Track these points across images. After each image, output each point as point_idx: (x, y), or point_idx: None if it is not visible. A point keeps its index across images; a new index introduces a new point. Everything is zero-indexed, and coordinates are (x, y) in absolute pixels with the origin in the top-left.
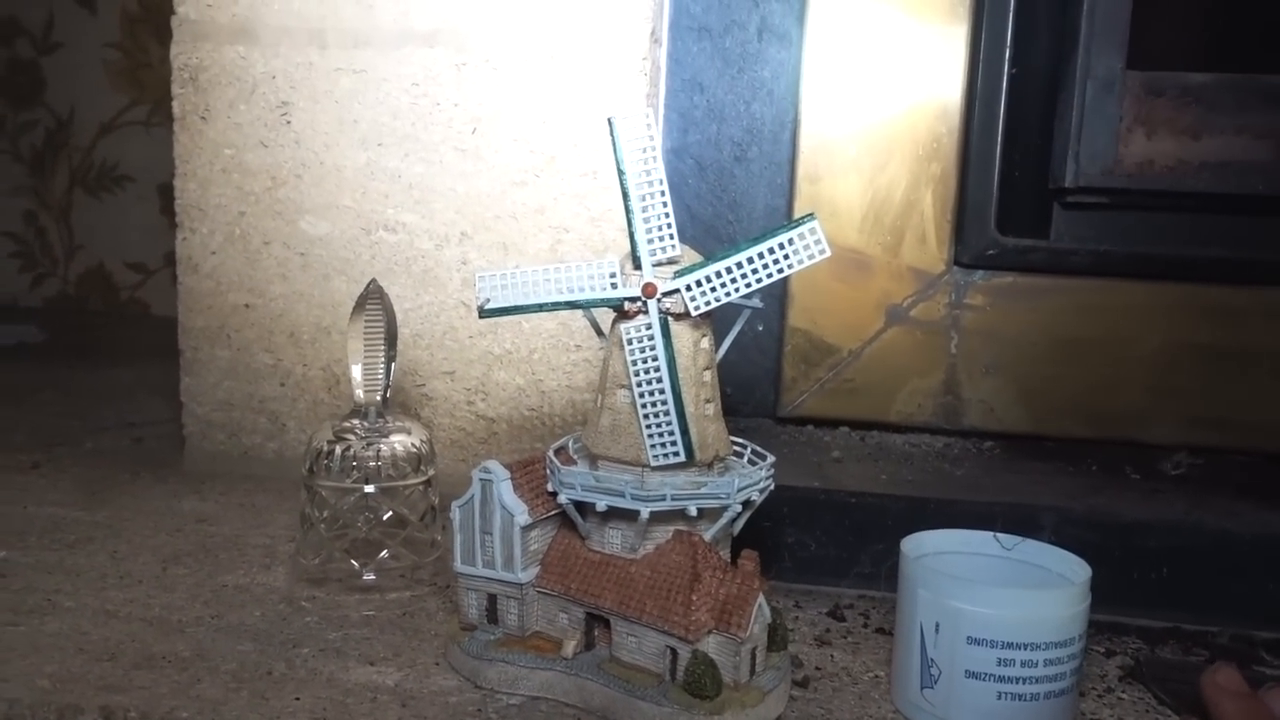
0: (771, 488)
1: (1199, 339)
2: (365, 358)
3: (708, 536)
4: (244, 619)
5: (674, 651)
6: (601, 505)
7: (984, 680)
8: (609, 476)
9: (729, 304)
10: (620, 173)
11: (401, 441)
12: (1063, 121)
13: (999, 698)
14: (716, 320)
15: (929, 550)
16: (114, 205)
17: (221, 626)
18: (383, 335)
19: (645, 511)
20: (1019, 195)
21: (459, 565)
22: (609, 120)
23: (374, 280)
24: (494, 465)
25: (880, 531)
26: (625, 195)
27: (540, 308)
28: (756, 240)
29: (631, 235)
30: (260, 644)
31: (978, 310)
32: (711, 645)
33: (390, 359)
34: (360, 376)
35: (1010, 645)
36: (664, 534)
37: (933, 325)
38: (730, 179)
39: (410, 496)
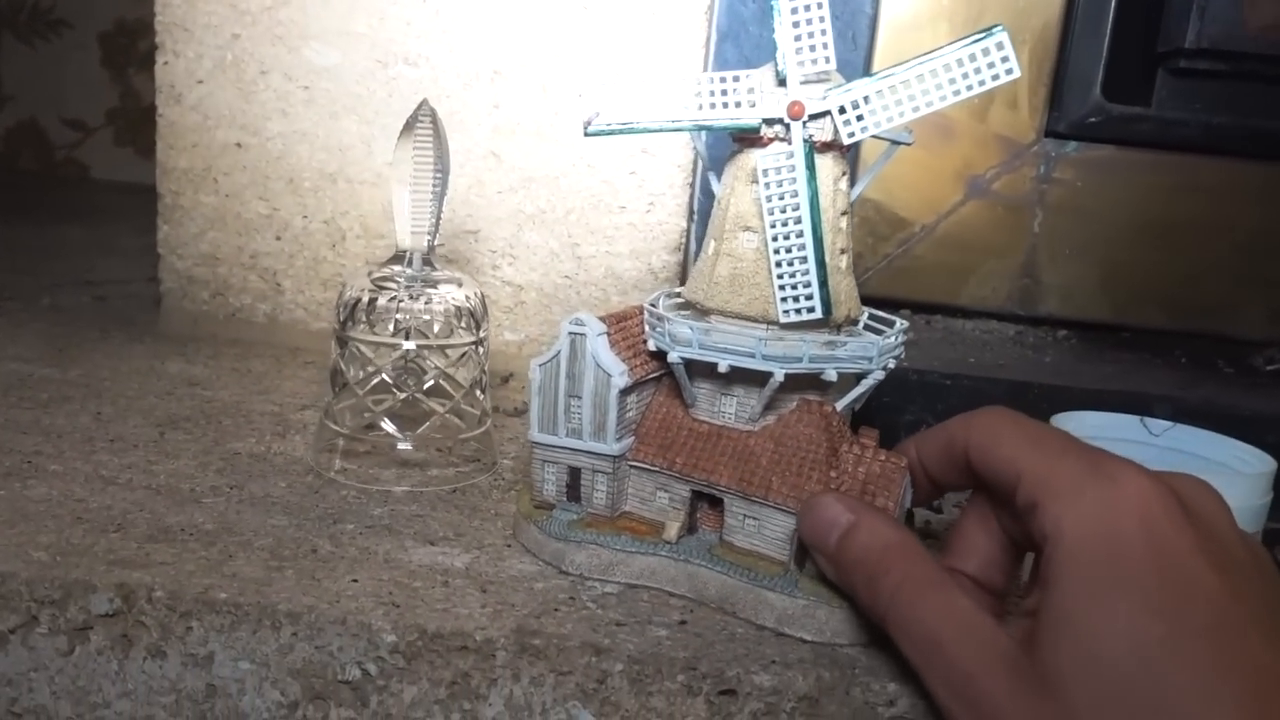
0: (902, 355)
1: None
2: (412, 192)
3: (839, 407)
4: (269, 490)
5: None
6: (724, 366)
7: None
8: (730, 331)
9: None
10: None
11: (453, 294)
12: None
13: None
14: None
15: (1080, 430)
16: (48, 54)
17: (244, 498)
18: (432, 166)
19: (780, 374)
20: (1123, 58)
21: (536, 434)
22: None
23: (426, 101)
24: (587, 317)
25: None
26: None
27: (660, 128)
28: (929, 55)
29: (776, 42)
30: (295, 518)
31: (1067, 186)
32: None
33: (441, 196)
34: (406, 215)
35: None
36: (787, 404)
37: (1016, 200)
38: None
39: (462, 358)
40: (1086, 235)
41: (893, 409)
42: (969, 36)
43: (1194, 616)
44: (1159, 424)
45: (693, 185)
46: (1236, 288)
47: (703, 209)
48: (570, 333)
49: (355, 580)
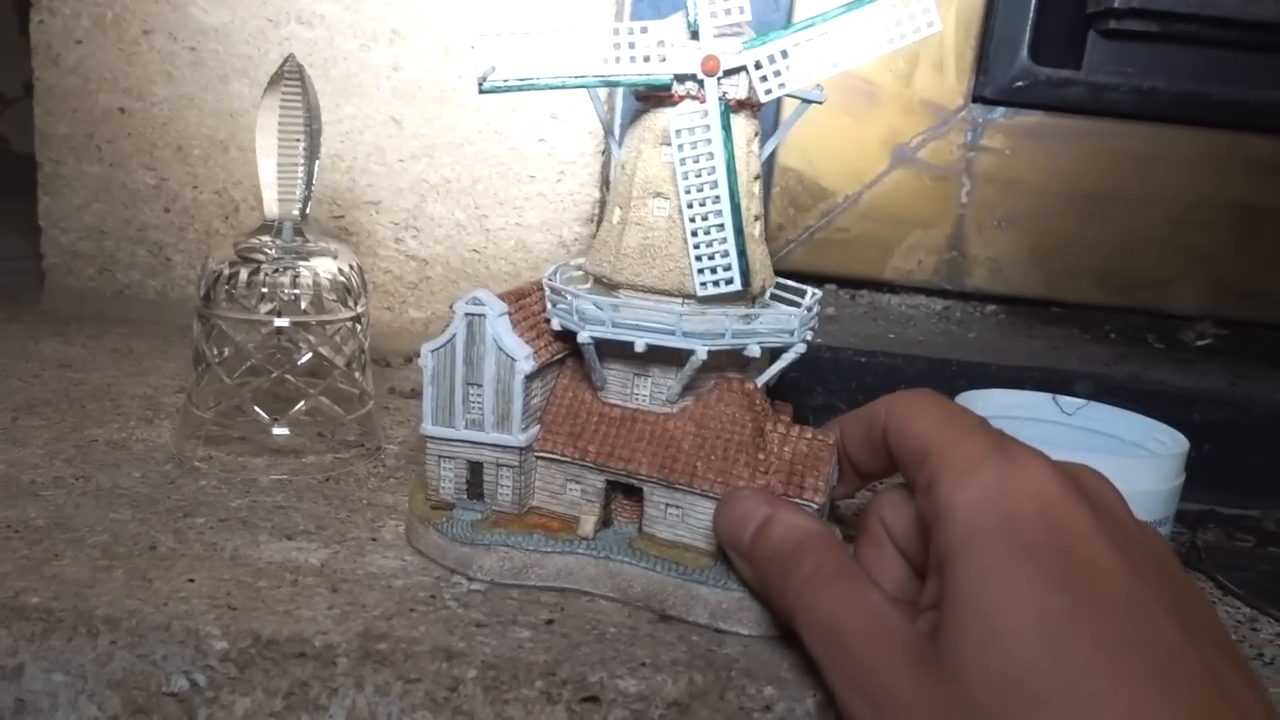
0: (816, 327)
1: (1241, 196)
2: (280, 156)
3: (759, 384)
4: (119, 481)
5: None
6: (641, 345)
7: None
8: (644, 307)
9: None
10: None
11: (325, 266)
12: None
13: None
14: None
15: (986, 410)
16: None
17: (89, 490)
18: (302, 127)
19: (702, 352)
20: (1052, 19)
21: (430, 427)
22: None
23: (292, 56)
24: (486, 295)
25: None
26: None
27: (562, 84)
28: (846, 7)
29: None
30: (141, 511)
31: (995, 154)
32: None
33: (312, 159)
34: (273, 179)
35: None
36: (704, 383)
37: (943, 169)
38: None
39: (336, 335)
40: (1016, 205)
41: (803, 389)
42: None
43: (1096, 591)
44: (1072, 402)
45: (605, 153)
46: (1170, 261)
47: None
48: (467, 314)
49: (192, 580)
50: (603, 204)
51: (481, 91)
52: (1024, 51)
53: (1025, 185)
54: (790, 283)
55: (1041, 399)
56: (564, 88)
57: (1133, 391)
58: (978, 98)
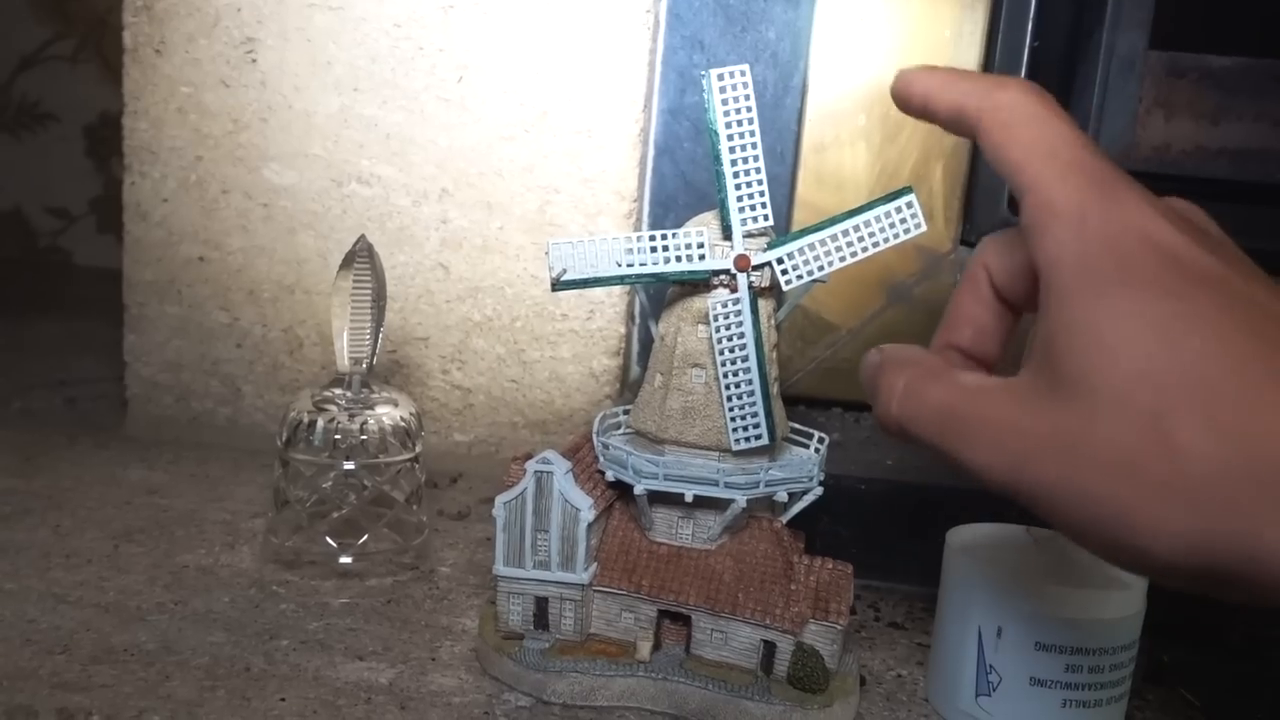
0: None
1: None
2: (351, 322)
3: (784, 521)
4: (211, 605)
5: (770, 645)
6: (690, 496)
7: (1050, 688)
8: (688, 463)
9: None
10: (712, 133)
11: (389, 414)
12: (1080, 99)
13: (1064, 705)
14: None
15: (972, 546)
16: (34, 145)
17: (187, 614)
18: (370, 298)
19: (742, 500)
20: None
21: (502, 568)
22: (704, 74)
23: (363, 237)
24: (554, 455)
25: (890, 520)
26: (716, 158)
27: (622, 280)
28: (852, 213)
29: (722, 202)
30: (233, 634)
31: None
32: (812, 636)
33: (378, 324)
34: (345, 343)
35: (1080, 650)
36: (738, 522)
37: (935, 305)
38: None
39: (397, 474)
40: None
41: (808, 516)
42: (885, 197)
43: (1207, 295)
44: (1043, 532)
45: (632, 291)
46: None
47: (644, 312)
48: (537, 471)
49: (283, 699)
50: (629, 337)
51: (555, 289)
52: (1004, 204)
53: None
54: (797, 426)
55: (1016, 530)
56: (623, 282)
57: None
58: (965, 242)
